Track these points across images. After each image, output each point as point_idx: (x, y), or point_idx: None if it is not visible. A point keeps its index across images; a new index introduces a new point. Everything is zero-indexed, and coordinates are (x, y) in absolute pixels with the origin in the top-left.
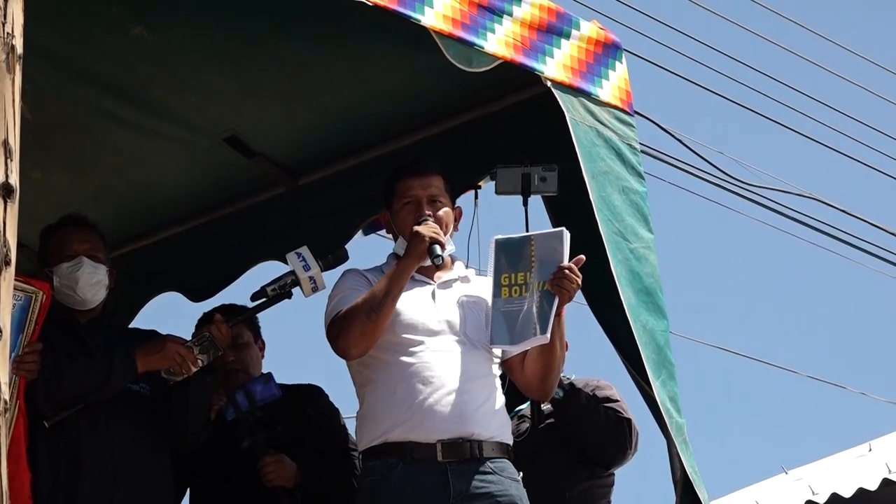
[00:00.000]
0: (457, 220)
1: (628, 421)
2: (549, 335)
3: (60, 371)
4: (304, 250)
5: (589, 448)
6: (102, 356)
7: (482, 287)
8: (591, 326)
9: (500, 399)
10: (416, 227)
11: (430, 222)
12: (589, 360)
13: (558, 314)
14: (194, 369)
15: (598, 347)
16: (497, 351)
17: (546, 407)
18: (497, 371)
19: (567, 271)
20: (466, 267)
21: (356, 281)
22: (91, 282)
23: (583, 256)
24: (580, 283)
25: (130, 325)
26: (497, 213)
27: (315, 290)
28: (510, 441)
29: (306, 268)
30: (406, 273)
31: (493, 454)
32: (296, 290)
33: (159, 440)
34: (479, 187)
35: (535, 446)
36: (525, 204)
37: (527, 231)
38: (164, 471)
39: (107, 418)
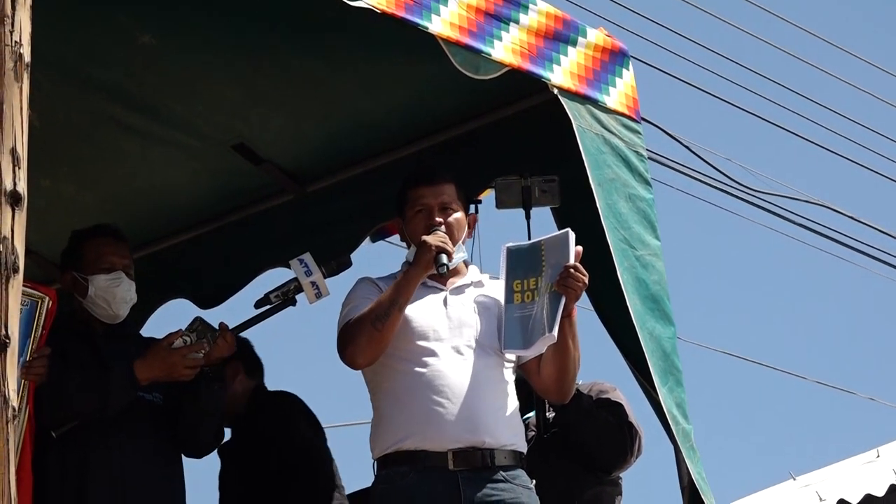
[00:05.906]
0: (471, 226)
1: (629, 425)
2: (555, 333)
3: (62, 387)
4: (307, 256)
5: (588, 452)
6: (101, 371)
7: (496, 291)
8: (600, 332)
9: (513, 405)
10: (424, 237)
11: (440, 232)
12: (598, 365)
13: (568, 315)
14: (201, 356)
15: (607, 353)
16: (511, 356)
17: (551, 415)
18: (511, 377)
19: (572, 270)
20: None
21: (368, 290)
22: (126, 299)
23: (580, 248)
24: (586, 281)
25: (144, 334)
26: (499, 225)
27: (319, 296)
28: (523, 449)
29: (308, 273)
30: (413, 282)
31: (505, 462)
32: (301, 297)
33: (173, 449)
34: (480, 201)
35: (542, 453)
36: (528, 217)
37: (529, 239)
38: (177, 480)
39: (118, 428)
